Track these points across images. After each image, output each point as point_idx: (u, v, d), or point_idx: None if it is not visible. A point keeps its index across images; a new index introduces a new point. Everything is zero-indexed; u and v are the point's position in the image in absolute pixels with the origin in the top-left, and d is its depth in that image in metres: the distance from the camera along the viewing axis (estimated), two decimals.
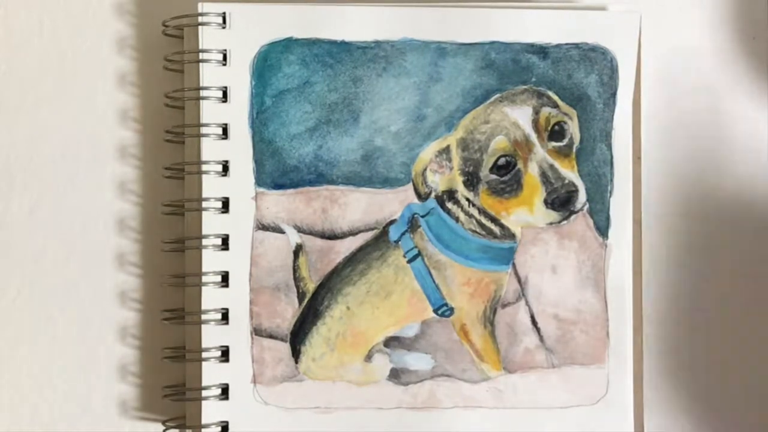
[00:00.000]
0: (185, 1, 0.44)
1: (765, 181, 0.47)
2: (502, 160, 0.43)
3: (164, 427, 0.43)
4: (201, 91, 0.42)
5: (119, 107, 0.45)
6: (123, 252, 0.44)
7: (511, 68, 0.43)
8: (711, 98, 0.47)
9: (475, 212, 0.43)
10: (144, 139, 0.45)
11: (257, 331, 0.42)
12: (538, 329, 0.44)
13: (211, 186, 0.42)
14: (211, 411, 0.42)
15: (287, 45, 0.42)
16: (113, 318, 0.44)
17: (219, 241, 0.42)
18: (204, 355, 0.42)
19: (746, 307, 0.47)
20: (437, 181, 0.43)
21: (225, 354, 0.42)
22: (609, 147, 0.44)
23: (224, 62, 0.42)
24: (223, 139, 0.42)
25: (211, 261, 0.42)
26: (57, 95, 0.45)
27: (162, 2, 0.45)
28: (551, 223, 0.44)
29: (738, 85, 0.47)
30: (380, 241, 0.43)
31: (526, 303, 0.44)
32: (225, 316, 0.43)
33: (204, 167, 0.42)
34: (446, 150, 0.43)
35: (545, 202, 0.43)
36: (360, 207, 0.43)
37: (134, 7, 0.45)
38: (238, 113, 0.42)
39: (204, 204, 0.42)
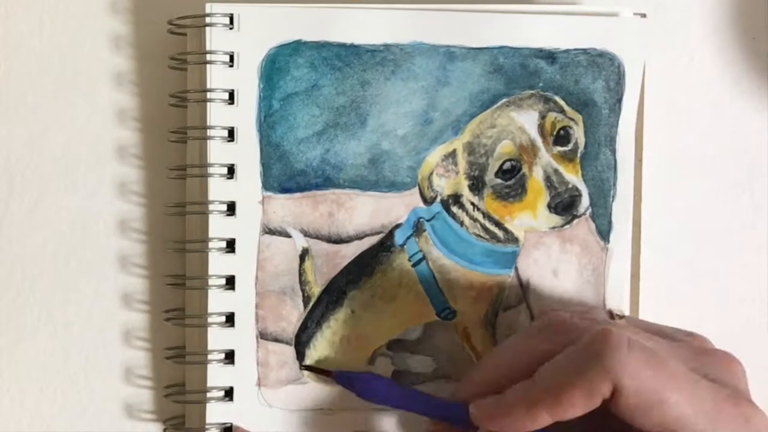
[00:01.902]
0: (185, 1, 0.44)
1: (765, 182, 0.49)
2: (507, 165, 0.45)
3: (164, 427, 0.45)
4: (207, 93, 0.43)
5: (120, 107, 0.45)
6: (124, 253, 0.45)
7: (519, 73, 0.45)
8: (711, 98, 0.49)
9: (479, 216, 0.45)
10: (145, 139, 0.45)
11: (263, 335, 0.44)
12: None
13: (217, 189, 0.43)
14: (216, 413, 0.44)
15: (296, 48, 0.43)
16: (114, 318, 0.45)
17: (224, 244, 0.44)
18: (209, 357, 0.43)
19: (746, 308, 0.49)
20: (443, 185, 0.45)
21: (228, 356, 0.44)
22: (613, 152, 0.45)
23: (231, 64, 0.43)
24: (229, 141, 0.43)
25: (217, 264, 0.43)
26: (57, 95, 0.45)
27: (163, 2, 0.45)
28: (554, 227, 0.45)
29: (738, 85, 0.49)
30: (386, 245, 0.44)
31: (528, 306, 0.45)
32: (229, 319, 0.44)
33: (209, 170, 0.43)
34: (452, 154, 0.45)
35: (549, 206, 0.45)
36: (366, 211, 0.44)
37: (135, 6, 0.45)
38: (245, 116, 0.43)
39: (210, 207, 0.43)
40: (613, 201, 0.46)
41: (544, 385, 0.37)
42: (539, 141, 0.45)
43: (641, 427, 0.36)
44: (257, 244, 0.44)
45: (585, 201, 0.45)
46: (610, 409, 0.36)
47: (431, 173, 0.45)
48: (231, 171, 0.44)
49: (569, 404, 0.36)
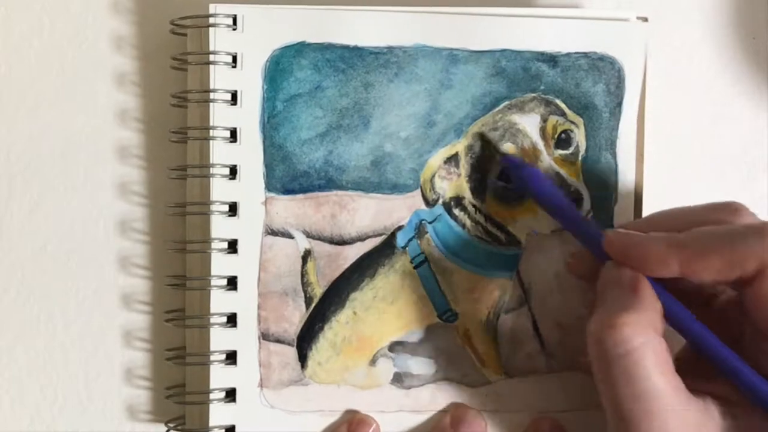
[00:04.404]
0: (187, 1, 0.47)
1: (766, 181, 0.51)
2: None
3: (167, 428, 0.47)
4: (210, 94, 0.45)
5: (120, 107, 0.48)
6: (124, 253, 0.48)
7: (521, 76, 0.47)
8: (711, 98, 0.51)
9: (481, 219, 0.47)
10: (146, 140, 0.48)
11: (264, 336, 0.46)
12: (539, 335, 0.48)
13: (219, 189, 0.45)
14: (217, 414, 0.46)
15: (300, 49, 0.46)
16: (114, 319, 0.48)
17: (226, 245, 0.46)
18: (210, 357, 0.46)
19: None
20: (445, 188, 0.47)
21: (230, 357, 0.46)
22: (614, 156, 0.48)
23: (234, 64, 0.46)
24: (231, 142, 0.46)
25: (219, 264, 0.46)
26: (57, 95, 0.47)
27: (163, 2, 0.48)
28: (556, 231, 0.47)
29: (738, 85, 0.51)
30: (388, 247, 0.47)
31: (529, 309, 0.48)
32: (230, 320, 0.46)
33: (212, 170, 0.45)
34: (454, 157, 0.47)
35: None
36: (369, 213, 0.47)
37: (135, 6, 0.48)
38: (248, 117, 0.45)
39: (212, 207, 0.45)
40: (614, 205, 0.48)
41: (693, 237, 0.39)
42: (541, 144, 0.47)
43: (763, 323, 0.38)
44: (260, 245, 0.46)
45: (586, 204, 0.48)
46: (738, 299, 0.39)
47: (433, 175, 0.47)
48: (233, 172, 0.46)
49: (707, 263, 0.38)
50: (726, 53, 0.51)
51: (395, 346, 0.47)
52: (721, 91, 0.51)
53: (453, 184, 0.47)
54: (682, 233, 0.40)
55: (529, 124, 0.47)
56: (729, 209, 0.41)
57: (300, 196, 0.46)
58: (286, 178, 0.46)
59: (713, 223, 0.40)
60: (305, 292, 0.47)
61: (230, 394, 0.46)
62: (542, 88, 0.47)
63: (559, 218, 0.45)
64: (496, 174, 0.47)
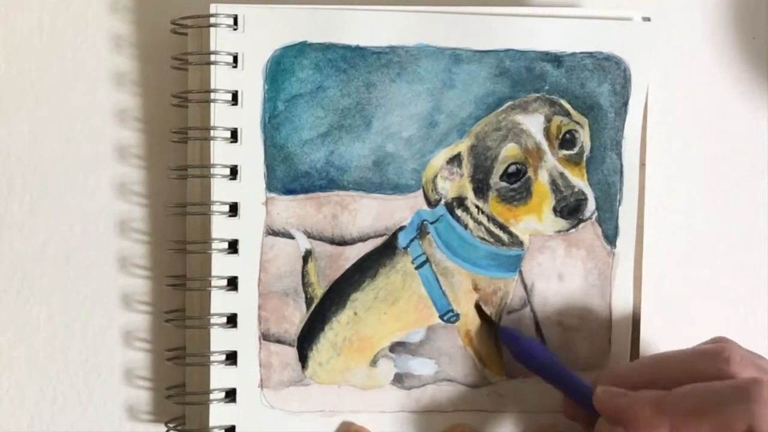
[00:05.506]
0: (187, 1, 0.47)
1: (765, 182, 0.51)
2: (512, 168, 0.47)
3: (167, 428, 0.47)
4: (210, 94, 0.46)
5: (120, 107, 0.48)
6: (125, 253, 0.48)
7: (525, 76, 0.47)
8: (711, 98, 0.51)
9: (484, 219, 0.48)
10: (146, 140, 0.48)
11: (265, 336, 0.47)
12: (541, 336, 0.48)
13: (220, 190, 0.46)
14: (218, 414, 0.46)
15: (301, 49, 0.46)
16: (114, 319, 0.48)
17: (226, 245, 0.46)
18: (211, 358, 0.46)
19: (748, 308, 0.52)
20: (447, 188, 0.48)
21: (230, 357, 0.47)
22: (619, 156, 0.48)
23: (234, 65, 0.46)
24: (232, 142, 0.46)
25: (220, 265, 0.46)
26: (57, 95, 0.48)
27: (163, 1, 0.48)
28: (559, 231, 0.48)
29: (738, 85, 0.51)
30: (389, 247, 0.47)
31: (531, 310, 0.48)
32: (230, 320, 0.47)
33: (212, 170, 0.46)
34: (457, 157, 0.47)
35: (554, 210, 0.48)
36: (370, 213, 0.47)
37: (135, 6, 0.48)
38: (249, 117, 0.46)
39: (212, 207, 0.46)
40: (619, 205, 0.48)
41: (681, 400, 0.40)
42: (545, 144, 0.48)
43: None
44: (260, 246, 0.47)
45: (591, 205, 0.48)
46: None
47: (435, 176, 0.47)
48: (233, 172, 0.46)
49: (697, 427, 0.39)
50: (726, 53, 0.51)
51: (396, 347, 0.48)
52: (721, 91, 0.51)
53: (455, 184, 0.47)
54: (670, 393, 0.40)
55: (533, 124, 0.48)
56: (719, 359, 0.41)
57: (301, 196, 0.47)
58: (287, 178, 0.47)
59: (702, 374, 0.41)
60: (306, 292, 0.47)
61: (230, 395, 0.47)
62: (546, 88, 0.48)
63: (553, 381, 0.46)
64: (499, 174, 0.47)
